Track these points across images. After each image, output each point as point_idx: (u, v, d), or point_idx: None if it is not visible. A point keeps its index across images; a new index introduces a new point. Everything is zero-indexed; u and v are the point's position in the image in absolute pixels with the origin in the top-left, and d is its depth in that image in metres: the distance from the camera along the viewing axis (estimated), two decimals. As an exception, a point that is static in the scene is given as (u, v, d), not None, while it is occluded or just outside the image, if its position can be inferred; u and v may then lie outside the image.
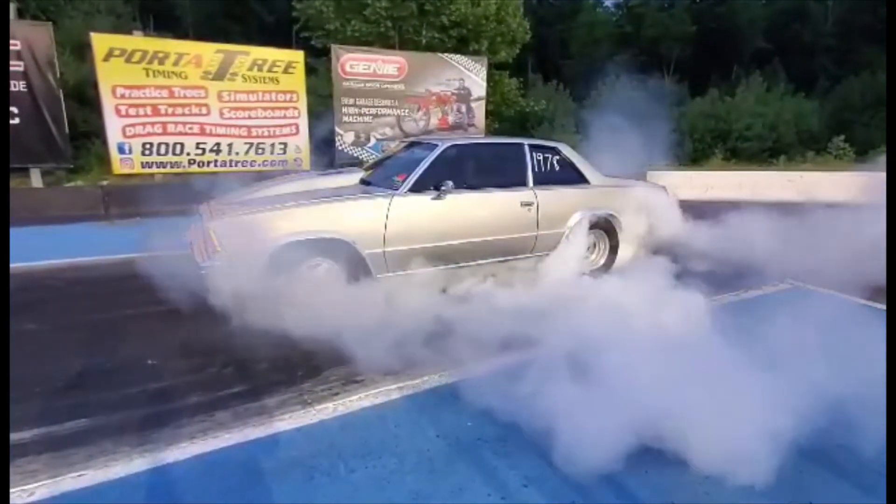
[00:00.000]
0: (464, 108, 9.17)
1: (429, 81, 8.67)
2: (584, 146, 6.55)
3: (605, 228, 4.25)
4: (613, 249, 4.33)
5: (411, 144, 4.15)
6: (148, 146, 6.57)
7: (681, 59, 25.32)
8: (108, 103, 6.23)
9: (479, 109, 9.30)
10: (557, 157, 4.12)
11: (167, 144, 6.70)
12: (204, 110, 6.86)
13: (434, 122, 8.84)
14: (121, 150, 6.36)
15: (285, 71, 7.39)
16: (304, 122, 7.60)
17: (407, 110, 8.57)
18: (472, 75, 9.06)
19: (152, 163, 6.63)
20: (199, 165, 6.93)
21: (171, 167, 6.74)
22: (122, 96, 6.32)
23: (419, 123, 8.72)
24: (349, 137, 8.21)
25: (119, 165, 6.26)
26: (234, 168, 7.14)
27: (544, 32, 23.39)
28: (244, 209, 3.20)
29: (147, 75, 6.45)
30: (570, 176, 4.15)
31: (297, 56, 7.58)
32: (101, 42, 6.23)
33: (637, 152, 5.41)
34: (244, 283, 2.78)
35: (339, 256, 3.25)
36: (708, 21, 26.14)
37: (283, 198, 3.45)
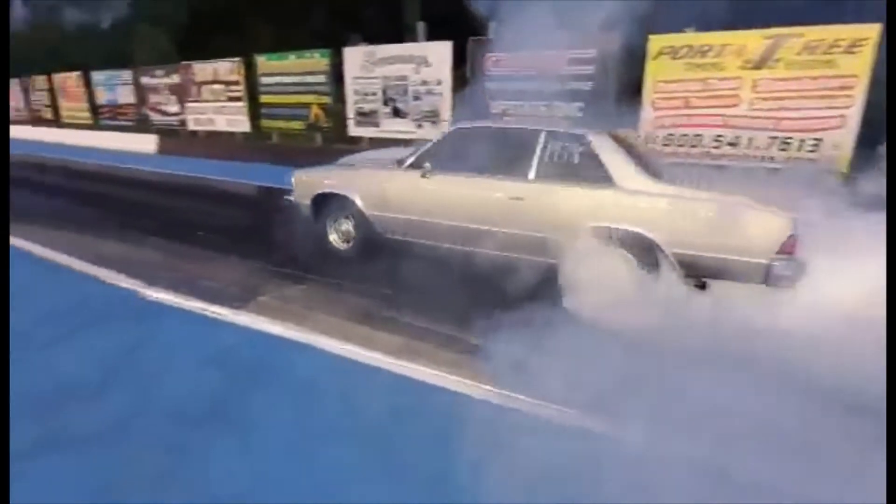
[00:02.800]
0: None
1: None
2: None
3: (637, 250, 3.08)
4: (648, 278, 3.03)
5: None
6: (670, 137, 7.04)
7: None
8: (647, 98, 7.03)
9: None
10: (581, 149, 3.36)
11: (687, 136, 6.96)
12: (732, 101, 6.65)
13: None
14: (647, 139, 7.11)
15: (847, 51, 6.09)
16: (855, 114, 6.14)
17: None
18: None
19: (669, 153, 7.07)
20: (711, 158, 6.86)
21: (684, 157, 6.97)
22: (661, 91, 6.96)
23: None
24: (924, 134, 6.06)
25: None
26: (747, 163, 6.67)
27: None
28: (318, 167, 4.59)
29: (687, 69, 6.79)
30: (591, 173, 3.28)
31: (869, 32, 6.05)
32: (655, 42, 6.98)
33: None
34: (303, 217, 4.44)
35: (353, 214, 4.14)
36: None
37: (347, 161, 4.66)
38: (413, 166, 3.85)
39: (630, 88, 7.28)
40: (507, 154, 3.59)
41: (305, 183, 4.49)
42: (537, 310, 2.84)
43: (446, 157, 3.74)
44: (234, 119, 12.80)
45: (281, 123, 11.95)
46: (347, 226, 4.31)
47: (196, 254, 4.52)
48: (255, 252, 4.48)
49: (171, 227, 5.43)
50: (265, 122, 12.29)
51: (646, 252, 3.10)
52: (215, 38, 21.76)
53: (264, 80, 12.02)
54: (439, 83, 9.46)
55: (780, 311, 2.64)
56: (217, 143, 12.92)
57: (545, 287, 3.27)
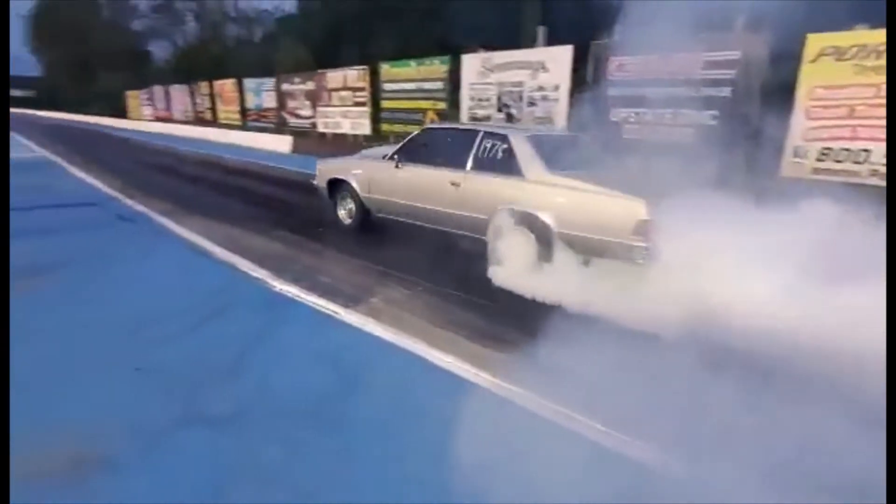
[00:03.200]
0: None
1: None
2: None
3: (532, 229, 3.76)
4: (544, 252, 3.71)
5: None
6: (826, 151, 6.03)
7: None
8: (800, 105, 6.09)
9: None
10: (504, 146, 4.10)
11: (850, 150, 5.90)
12: (916, 111, 5.50)
13: None
14: (795, 153, 6.18)
15: None
16: None
17: None
18: None
19: (823, 169, 6.06)
20: (880, 177, 5.75)
21: (844, 176, 5.92)
22: (818, 98, 5.99)
23: None
24: None
25: (789, 169, 6.13)
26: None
27: None
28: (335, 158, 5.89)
29: (856, 73, 5.76)
30: (507, 166, 4.02)
31: None
32: (815, 42, 6.03)
33: None
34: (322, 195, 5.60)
35: (352, 196, 5.19)
36: None
37: (361, 154, 5.79)
38: (391, 158, 4.76)
39: (777, 95, 6.39)
40: (456, 149, 4.38)
41: (323, 170, 5.65)
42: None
43: (415, 151, 4.70)
44: (357, 122, 13.65)
45: (398, 127, 12.47)
46: (350, 205, 5.38)
47: (316, 249, 4.83)
48: (366, 252, 4.67)
49: (297, 221, 5.88)
50: (384, 126, 12.92)
51: (541, 231, 3.70)
52: (346, 48, 23.44)
53: (386, 86, 12.64)
54: (556, 89, 9.17)
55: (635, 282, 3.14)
56: (342, 144, 13.86)
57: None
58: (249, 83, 18.28)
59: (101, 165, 10.65)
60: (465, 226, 4.24)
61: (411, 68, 11.93)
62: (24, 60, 54.28)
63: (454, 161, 4.33)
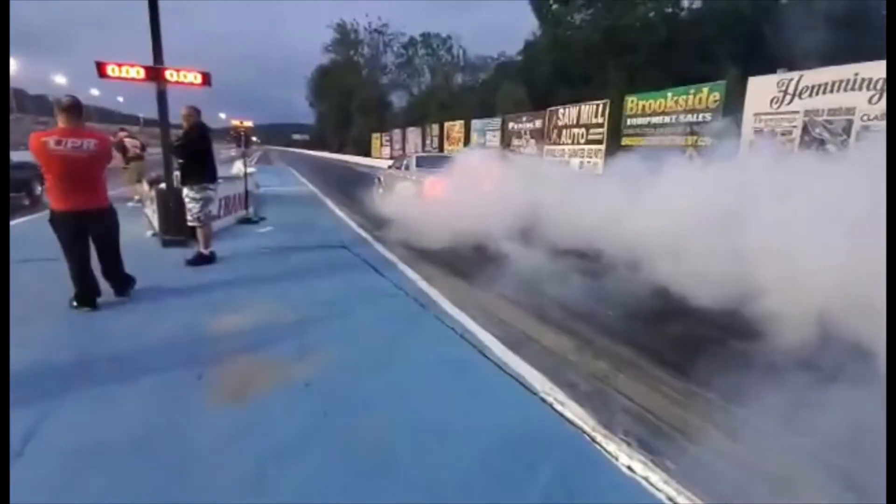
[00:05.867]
0: None
1: None
2: None
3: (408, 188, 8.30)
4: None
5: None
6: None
7: None
8: None
9: None
10: (407, 161, 9.31)
11: None
12: None
13: None
14: None
15: None
16: None
17: None
18: None
19: None
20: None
21: None
22: None
23: None
24: None
25: None
26: None
27: None
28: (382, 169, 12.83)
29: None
30: (409, 168, 8.84)
31: None
32: None
33: None
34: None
35: (381, 183, 10.33)
36: None
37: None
38: (390, 168, 10.29)
39: None
40: (400, 163, 9.79)
41: (378, 175, 11.01)
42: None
43: (395, 165, 10.09)
44: (588, 161, 12.05)
45: (641, 167, 10.40)
46: (381, 188, 10.01)
47: (618, 354, 3.17)
48: (691, 364, 2.85)
49: (554, 286, 4.39)
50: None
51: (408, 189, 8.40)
52: (566, 85, 22.26)
53: (631, 121, 10.75)
54: (920, 115, 6.01)
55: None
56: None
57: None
58: (476, 123, 18.44)
59: (347, 199, 11.26)
60: (400, 191, 8.53)
61: (667, 99, 9.83)
62: (303, 112, 68.27)
63: (399, 167, 9.49)
